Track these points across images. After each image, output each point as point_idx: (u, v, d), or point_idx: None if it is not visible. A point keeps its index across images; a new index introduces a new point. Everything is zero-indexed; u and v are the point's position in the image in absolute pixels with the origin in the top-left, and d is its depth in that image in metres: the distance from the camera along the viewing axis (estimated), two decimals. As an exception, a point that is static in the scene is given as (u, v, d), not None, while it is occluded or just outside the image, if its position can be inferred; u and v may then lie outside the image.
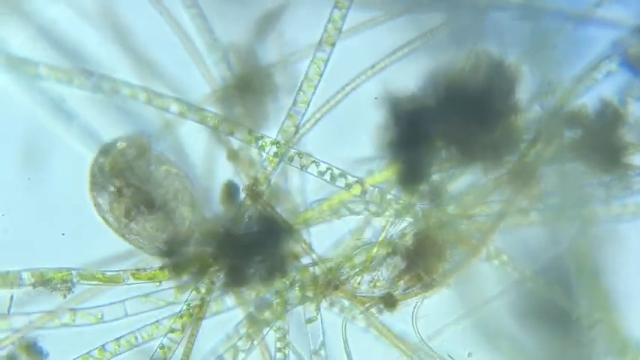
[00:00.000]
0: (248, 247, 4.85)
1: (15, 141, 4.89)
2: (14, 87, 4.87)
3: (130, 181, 4.78)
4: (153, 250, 4.83)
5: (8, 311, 4.78)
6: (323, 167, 5.00)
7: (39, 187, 4.90)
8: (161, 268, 4.85)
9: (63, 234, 4.88)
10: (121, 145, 4.82)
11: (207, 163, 4.92)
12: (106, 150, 4.82)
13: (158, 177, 4.82)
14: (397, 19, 4.99)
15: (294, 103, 4.94)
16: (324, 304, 4.99)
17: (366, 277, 4.98)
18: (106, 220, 4.82)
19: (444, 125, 4.85)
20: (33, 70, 4.84)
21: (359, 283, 4.98)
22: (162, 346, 4.88)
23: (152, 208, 4.79)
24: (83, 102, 4.89)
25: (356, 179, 5.02)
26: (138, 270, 4.86)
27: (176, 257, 4.81)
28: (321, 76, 4.93)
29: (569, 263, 4.97)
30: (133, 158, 4.80)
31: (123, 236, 4.83)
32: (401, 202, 5.00)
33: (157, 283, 4.85)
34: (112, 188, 4.77)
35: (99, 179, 4.79)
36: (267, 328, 4.95)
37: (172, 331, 4.87)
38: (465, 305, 4.99)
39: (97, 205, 4.83)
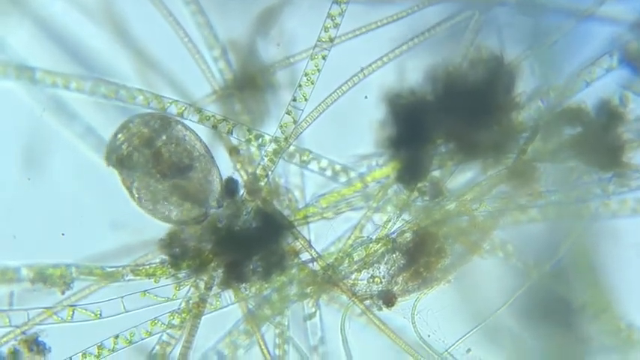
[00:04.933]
0: (247, 243, 4.85)
1: (15, 141, 4.90)
2: (14, 87, 4.88)
3: (165, 143, 4.80)
4: (186, 216, 4.85)
5: (10, 305, 4.79)
6: (324, 163, 5.00)
7: (39, 187, 4.91)
8: (160, 264, 4.86)
9: (63, 234, 4.89)
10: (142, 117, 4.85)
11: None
12: (126, 125, 4.85)
13: (185, 145, 4.85)
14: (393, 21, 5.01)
15: (294, 99, 4.94)
16: (323, 300, 4.99)
17: (365, 273, 4.97)
18: (132, 190, 4.82)
19: (444, 121, 4.84)
20: (29, 76, 4.85)
21: (357, 280, 4.98)
22: (161, 342, 4.89)
23: (187, 169, 4.81)
24: (83, 102, 4.90)
25: (356, 175, 5.02)
26: (137, 266, 4.86)
27: (177, 249, 4.82)
28: (319, 71, 4.93)
29: (569, 259, 4.96)
30: (158, 127, 4.82)
31: (153, 207, 4.84)
32: (401, 198, 4.99)
33: (155, 280, 4.85)
34: (148, 154, 4.78)
35: (126, 152, 4.79)
36: (267, 325, 4.96)
37: (171, 327, 4.88)
38: (465, 301, 5.00)
39: (124, 179, 4.83)
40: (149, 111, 4.89)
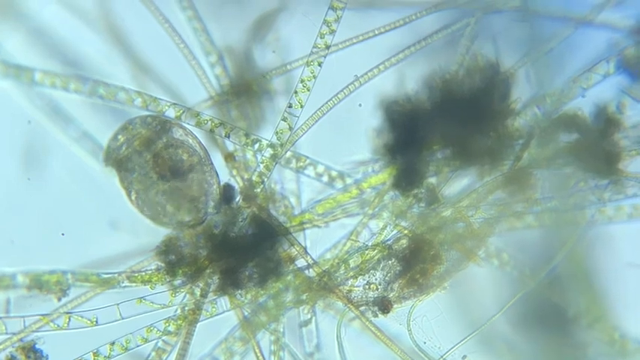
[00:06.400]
0: (243, 249, 4.85)
1: (15, 142, 4.91)
2: (13, 89, 4.89)
3: (166, 145, 4.79)
4: (178, 221, 4.85)
5: (7, 313, 4.80)
6: (320, 169, 5.00)
7: (39, 187, 4.91)
8: (156, 270, 4.86)
9: (63, 234, 4.90)
10: (143, 119, 4.84)
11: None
12: (126, 126, 4.84)
13: (186, 148, 4.85)
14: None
15: (290, 106, 4.93)
16: (318, 307, 4.99)
17: (361, 280, 4.97)
18: (129, 192, 4.82)
19: (440, 128, 4.84)
20: (29, 76, 4.85)
21: (353, 286, 4.98)
22: (156, 349, 4.90)
23: (186, 172, 4.81)
24: (80, 104, 4.91)
25: (352, 181, 5.01)
26: (133, 273, 4.86)
27: (173, 256, 4.82)
28: (315, 78, 4.92)
29: (564, 266, 4.96)
30: (159, 129, 4.81)
31: (150, 209, 4.84)
32: (397, 204, 4.99)
33: (151, 287, 4.85)
34: (147, 156, 4.78)
35: (126, 154, 4.79)
36: (262, 331, 4.96)
37: (167, 334, 4.88)
38: (461, 308, 5.00)
39: (122, 180, 4.83)
40: (150, 113, 4.88)
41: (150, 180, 4.78)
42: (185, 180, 4.81)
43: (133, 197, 4.81)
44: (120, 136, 4.81)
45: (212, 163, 4.90)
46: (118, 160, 4.79)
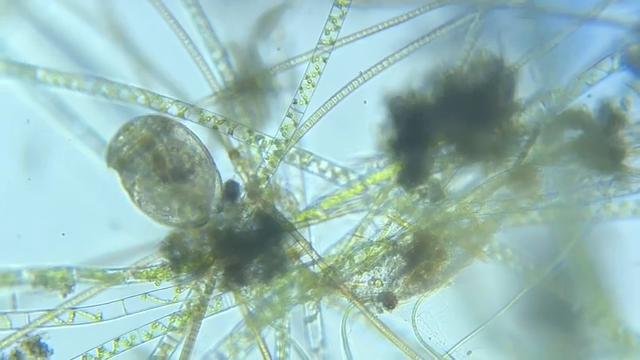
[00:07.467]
0: (248, 245, 4.85)
1: (17, 140, 4.90)
2: (14, 88, 4.89)
3: (166, 146, 4.79)
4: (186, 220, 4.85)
5: (13, 308, 4.80)
6: (324, 165, 5.01)
7: (39, 187, 4.91)
8: (161, 266, 4.86)
9: (63, 234, 4.90)
10: (143, 119, 4.84)
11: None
12: (127, 127, 4.84)
13: (186, 149, 4.84)
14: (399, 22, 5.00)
15: (295, 102, 4.93)
16: (323, 302, 4.99)
17: (366, 275, 4.98)
18: (132, 193, 4.82)
19: (445, 124, 4.84)
20: (31, 74, 4.85)
21: (358, 282, 4.98)
22: (162, 345, 4.90)
23: (188, 173, 4.80)
24: (83, 102, 4.90)
25: (357, 177, 5.02)
26: (138, 269, 4.86)
27: (177, 252, 4.83)
28: (320, 74, 4.92)
29: (569, 262, 4.96)
30: (159, 130, 4.81)
31: (153, 210, 4.83)
32: (402, 200, 4.99)
33: (156, 283, 4.86)
34: (148, 157, 4.77)
35: (127, 154, 4.78)
36: (267, 327, 4.96)
37: (172, 329, 4.88)
38: (466, 304, 5.00)
39: (124, 181, 4.83)
40: (151, 112, 4.88)
41: (152, 181, 4.78)
42: (187, 181, 4.81)
43: (136, 198, 4.81)
44: (121, 137, 4.80)
45: (214, 163, 4.90)
46: (120, 161, 4.79)
